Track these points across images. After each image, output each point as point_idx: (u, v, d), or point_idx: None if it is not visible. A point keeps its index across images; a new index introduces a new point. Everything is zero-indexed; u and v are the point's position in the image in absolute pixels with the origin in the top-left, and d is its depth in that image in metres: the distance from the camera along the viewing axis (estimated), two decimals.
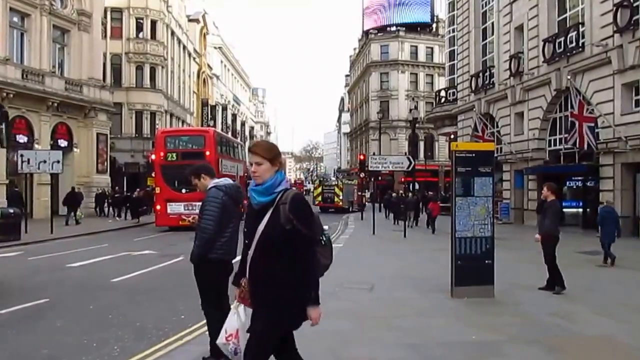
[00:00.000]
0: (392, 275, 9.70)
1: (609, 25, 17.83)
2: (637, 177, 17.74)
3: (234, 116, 64.44)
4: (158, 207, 20.32)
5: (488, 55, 28.06)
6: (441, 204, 23.68)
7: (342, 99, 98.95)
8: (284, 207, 2.83)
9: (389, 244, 16.20)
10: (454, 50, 33.08)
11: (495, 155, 18.87)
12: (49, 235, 17.01)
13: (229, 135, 40.59)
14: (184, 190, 18.94)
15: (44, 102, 24.86)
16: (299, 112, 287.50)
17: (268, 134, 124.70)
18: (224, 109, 58.12)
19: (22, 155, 17.80)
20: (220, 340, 3.14)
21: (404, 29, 55.74)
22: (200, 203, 4.56)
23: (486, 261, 7.43)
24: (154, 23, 37.71)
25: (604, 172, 18.67)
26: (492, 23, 27.24)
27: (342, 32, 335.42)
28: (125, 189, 32.13)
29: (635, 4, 16.82)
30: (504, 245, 11.47)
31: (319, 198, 38.02)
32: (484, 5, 28.61)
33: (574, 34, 20.01)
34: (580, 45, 19.63)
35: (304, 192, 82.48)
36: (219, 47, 63.75)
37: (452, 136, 33.13)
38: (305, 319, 2.92)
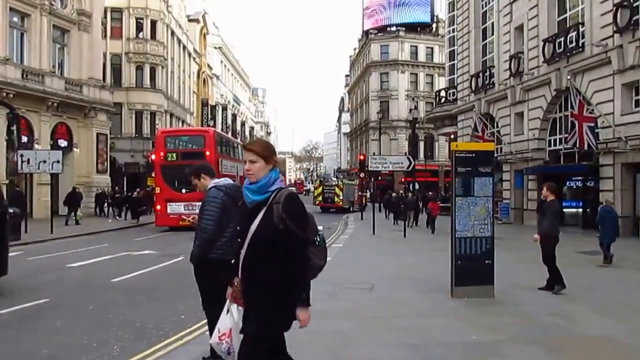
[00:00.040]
0: (392, 276, 9.70)
1: (609, 25, 17.83)
2: (637, 177, 17.75)
3: (234, 116, 64.44)
4: (158, 207, 20.33)
5: (488, 55, 28.06)
6: (441, 204, 23.69)
7: (342, 99, 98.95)
8: (278, 206, 2.79)
9: (389, 244, 16.20)
10: (454, 50, 33.08)
11: (495, 155, 18.89)
12: (49, 235, 17.01)
13: (229, 135, 40.60)
14: (184, 190, 18.94)
15: (44, 102, 24.87)
16: (299, 112, 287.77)
17: (268, 134, 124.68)
18: (224, 109, 58.12)
19: (22, 155, 17.80)
20: (214, 339, 3.13)
21: (404, 29, 55.73)
22: (200, 203, 4.56)
23: (486, 261, 7.43)
24: (154, 23, 37.70)
25: (604, 172, 18.67)
26: (492, 23, 27.24)
27: (342, 32, 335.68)
28: (125, 189, 32.13)
29: (635, 4, 16.82)
30: (504, 245, 11.48)
31: (320, 198, 38.04)
32: (484, 5, 28.61)
33: (574, 34, 20.01)
34: (580, 45, 19.63)
35: (304, 192, 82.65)
36: (219, 47, 63.76)
37: (452, 136, 33.14)
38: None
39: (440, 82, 49.19)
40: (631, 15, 16.83)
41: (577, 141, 18.80)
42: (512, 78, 24.55)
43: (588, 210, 20.23)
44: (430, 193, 32.80)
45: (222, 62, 65.76)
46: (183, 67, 45.80)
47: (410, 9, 55.91)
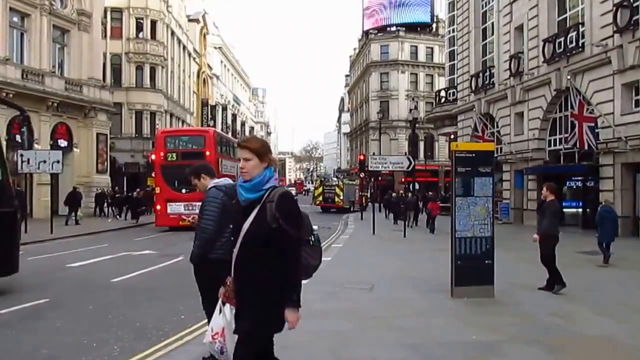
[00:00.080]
0: (392, 276, 9.70)
1: (609, 25, 17.83)
2: (637, 177, 17.75)
3: (234, 116, 64.46)
4: (158, 207, 20.33)
5: (488, 55, 28.07)
6: (441, 204, 23.69)
7: (342, 99, 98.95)
8: (271, 205, 2.76)
9: (389, 244, 16.20)
10: (454, 50, 33.09)
11: (495, 155, 18.90)
12: (49, 235, 17.00)
13: (229, 135, 40.60)
14: (184, 190, 18.94)
15: (44, 102, 24.87)
16: (299, 112, 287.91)
17: (268, 134, 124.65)
18: (224, 109, 58.14)
19: (22, 155, 17.78)
20: (207, 339, 3.12)
21: (404, 29, 55.73)
22: (200, 203, 4.56)
23: (486, 261, 7.43)
24: (154, 23, 37.69)
25: (604, 172, 18.67)
26: (492, 23, 27.24)
27: (342, 32, 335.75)
28: (125, 189, 32.14)
29: (635, 4, 16.82)
30: (504, 245, 11.48)
31: (320, 198, 38.10)
32: (484, 5, 28.61)
33: (574, 34, 20.02)
34: (580, 45, 19.64)
35: (304, 192, 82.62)
36: (219, 47, 63.76)
37: (452, 136, 33.14)
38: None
39: (440, 82, 49.19)
40: (631, 15, 16.83)
41: (577, 141, 18.81)
42: (512, 78, 24.55)
43: (588, 210, 20.24)
44: (430, 193, 32.80)
45: (222, 62, 65.76)
46: (183, 67, 45.80)
47: (410, 9, 55.91)
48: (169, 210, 19.71)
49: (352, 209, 36.54)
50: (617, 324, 6.31)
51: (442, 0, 47.07)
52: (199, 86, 52.44)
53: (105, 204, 28.16)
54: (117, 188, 30.86)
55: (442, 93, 36.34)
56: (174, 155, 20.34)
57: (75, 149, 27.58)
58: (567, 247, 11.26)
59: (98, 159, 29.17)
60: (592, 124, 18.44)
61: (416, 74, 55.89)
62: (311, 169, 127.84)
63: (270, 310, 2.77)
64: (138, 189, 28.20)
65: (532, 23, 23.09)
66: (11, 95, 22.62)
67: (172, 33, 41.77)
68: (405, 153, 37.75)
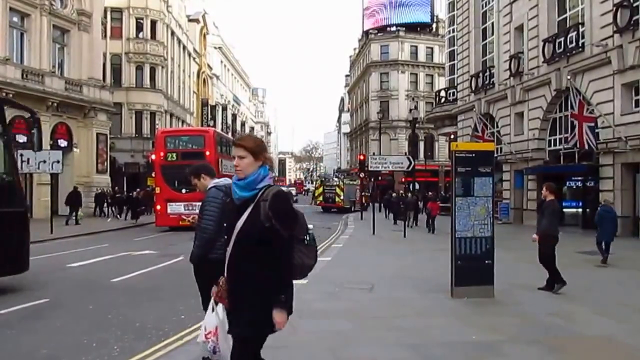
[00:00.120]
0: (392, 276, 9.70)
1: (609, 25, 17.84)
2: (637, 177, 17.75)
3: (234, 116, 64.47)
4: (158, 207, 20.34)
5: (488, 55, 28.07)
6: (441, 204, 23.69)
7: (342, 99, 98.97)
8: (265, 203, 2.73)
9: (389, 244, 16.20)
10: (454, 50, 33.09)
11: (495, 155, 18.90)
12: (49, 235, 16.99)
13: (229, 135, 40.60)
14: (184, 190, 18.93)
15: (44, 102, 24.86)
16: (299, 112, 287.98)
17: (268, 134, 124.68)
18: (224, 109, 58.14)
19: (21, 155, 17.77)
20: (200, 338, 3.11)
21: (404, 29, 55.73)
22: (200, 203, 4.56)
23: (486, 261, 7.43)
24: (154, 23, 37.70)
25: (603, 172, 18.67)
26: (492, 23, 27.25)
27: (342, 32, 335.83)
28: (125, 189, 32.15)
29: (635, 4, 16.83)
30: (503, 245, 11.48)
31: (320, 198, 38.23)
32: (484, 5, 28.62)
33: (574, 34, 20.02)
34: (580, 45, 19.64)
35: (303, 192, 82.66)
36: (219, 47, 63.77)
37: (452, 136, 33.14)
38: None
39: (440, 82, 49.19)
40: (631, 15, 16.83)
41: (577, 141, 18.81)
42: (512, 78, 24.56)
43: (588, 210, 20.24)
44: (430, 193, 32.82)
45: (222, 62, 65.78)
46: (183, 67, 45.81)
47: (410, 9, 55.91)
48: (169, 210, 19.71)
49: (352, 209, 36.57)
50: (617, 324, 6.31)
51: (442, 0, 47.13)
52: (199, 86, 52.45)
53: (105, 204, 28.17)
54: (117, 188, 30.87)
55: (442, 93, 36.34)
56: (174, 155, 20.34)
57: (75, 149, 27.59)
58: (567, 247, 11.26)
59: (98, 159, 29.17)
60: (592, 124, 18.44)
61: (416, 74, 55.90)
62: (311, 169, 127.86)
63: (265, 310, 2.73)
64: (138, 189, 28.21)
65: (532, 23, 23.09)
66: (11, 95, 22.62)
67: (172, 33, 41.78)
68: (405, 153, 37.77)
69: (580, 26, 19.88)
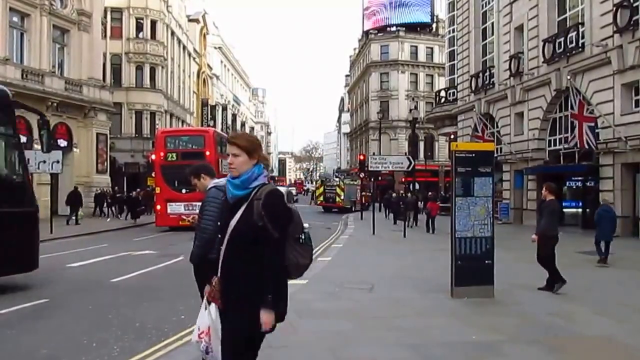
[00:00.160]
0: (392, 276, 9.70)
1: (609, 25, 17.84)
2: (637, 177, 17.75)
3: (234, 116, 64.47)
4: (158, 207, 20.34)
5: (488, 55, 28.07)
6: (441, 204, 23.68)
7: (342, 99, 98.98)
8: (258, 202, 2.70)
9: (389, 244, 16.20)
10: (454, 50, 33.09)
11: (495, 155, 18.91)
12: (49, 235, 16.97)
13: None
14: (184, 190, 18.93)
15: (44, 102, 24.83)
16: (299, 112, 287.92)
17: (268, 134, 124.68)
18: (224, 109, 58.13)
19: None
20: (194, 338, 3.10)
21: (403, 29, 55.74)
22: (200, 203, 4.56)
23: (486, 261, 7.43)
24: (154, 23, 37.69)
25: (603, 172, 18.67)
26: (492, 23, 27.25)
27: (342, 32, 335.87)
28: (125, 189, 32.14)
29: (635, 4, 16.83)
30: (503, 245, 11.49)
31: (321, 198, 38.34)
32: (484, 5, 28.62)
33: (574, 34, 20.02)
34: (580, 45, 19.64)
35: (303, 192, 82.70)
36: (219, 47, 63.77)
37: (452, 136, 33.15)
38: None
39: (440, 82, 49.19)
40: (631, 15, 16.84)
41: (577, 141, 18.81)
42: (512, 78, 24.56)
43: (588, 210, 20.25)
44: (430, 193, 32.83)
45: (222, 62, 65.78)
46: (183, 67, 45.81)
47: (410, 9, 55.92)
48: (169, 210, 19.71)
49: (353, 209, 36.61)
50: (617, 324, 6.31)
51: (442, 0, 47.14)
52: (199, 86, 52.45)
53: (105, 204, 28.18)
54: (117, 188, 30.88)
55: (442, 93, 36.34)
56: (174, 155, 20.35)
57: (75, 149, 27.58)
58: (567, 247, 11.27)
59: (98, 159, 29.16)
60: (592, 124, 18.45)
61: (416, 74, 55.90)
62: (311, 169, 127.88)
63: (255, 310, 2.68)
64: (138, 189, 28.21)
65: (532, 23, 23.09)
66: (11, 96, 22.61)
67: (172, 33, 41.78)
68: (405, 153, 37.76)
69: (580, 26, 19.89)
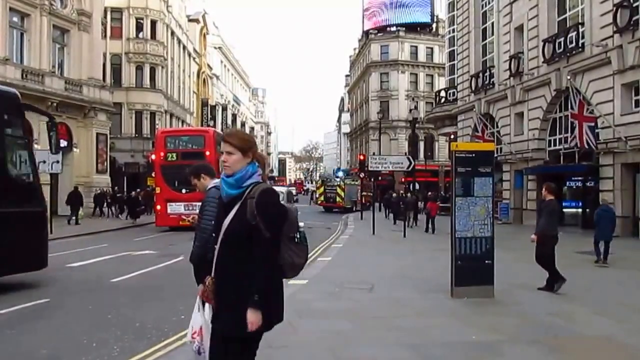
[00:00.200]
0: (392, 276, 9.69)
1: (609, 25, 17.84)
2: (637, 177, 17.75)
3: (234, 116, 64.46)
4: (158, 207, 20.34)
5: (488, 56, 28.07)
6: (441, 204, 23.67)
7: (342, 99, 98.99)
8: (252, 201, 2.68)
9: (389, 244, 16.20)
10: (454, 50, 33.09)
11: (495, 155, 18.89)
12: (49, 235, 16.93)
13: None
14: (184, 191, 18.92)
15: (44, 102, 24.82)
16: (299, 112, 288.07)
17: (268, 134, 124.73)
18: (224, 109, 58.13)
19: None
20: (188, 337, 3.08)
21: (404, 29, 55.73)
22: (200, 203, 4.56)
23: (486, 261, 7.43)
24: (154, 23, 37.69)
25: (603, 172, 18.67)
26: (492, 23, 27.25)
27: (342, 32, 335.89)
28: (125, 189, 32.14)
29: (635, 4, 16.83)
30: (503, 246, 11.49)
31: (322, 198, 38.37)
32: (484, 5, 28.62)
33: (573, 34, 20.02)
34: (580, 45, 19.64)
35: (303, 192, 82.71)
36: (219, 47, 63.77)
37: (452, 136, 33.15)
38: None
39: (440, 82, 49.18)
40: (631, 15, 16.83)
41: (578, 142, 18.81)
42: (512, 78, 24.56)
43: (588, 210, 20.25)
44: (430, 193, 32.85)
45: (222, 62, 65.78)
46: (183, 67, 45.80)
47: (410, 9, 55.90)
48: (169, 210, 19.71)
49: (354, 209, 36.60)
50: (617, 324, 6.31)
51: (442, 0, 47.13)
52: (199, 86, 52.45)
53: (105, 204, 28.17)
54: (117, 188, 30.87)
55: (442, 93, 36.34)
56: (174, 155, 20.34)
57: (75, 149, 27.56)
58: (567, 247, 11.27)
59: (98, 159, 29.15)
60: (592, 124, 18.44)
61: (416, 74, 55.90)
62: (311, 169, 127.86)
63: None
64: (138, 189, 28.21)
65: (532, 23, 23.09)
66: None
67: (172, 33, 41.78)
68: (405, 153, 37.76)
69: (580, 26, 19.89)
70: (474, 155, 7.55)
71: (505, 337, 5.64)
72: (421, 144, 53.38)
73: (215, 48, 61.63)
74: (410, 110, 32.14)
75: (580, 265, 11.14)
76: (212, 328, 2.84)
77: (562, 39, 20.62)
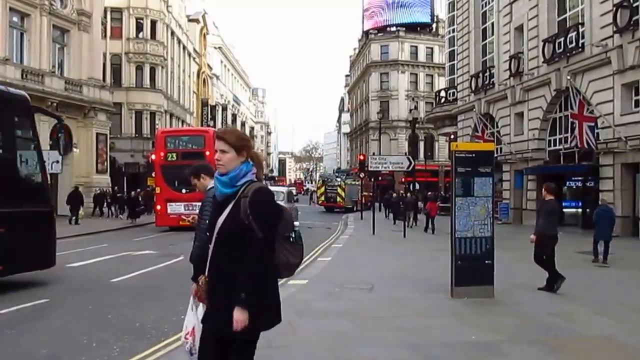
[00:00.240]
0: (392, 276, 9.70)
1: (609, 25, 17.84)
2: (637, 177, 17.76)
3: (234, 116, 64.47)
4: (158, 207, 20.34)
5: (488, 56, 28.08)
6: (441, 204, 23.67)
7: (342, 99, 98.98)
8: (245, 200, 2.67)
9: (389, 244, 16.20)
10: (454, 50, 33.10)
11: (495, 155, 18.90)
12: None
13: None
14: (184, 191, 18.92)
15: (44, 102, 24.80)
16: (299, 112, 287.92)
17: (268, 134, 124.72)
18: (224, 109, 58.14)
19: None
20: (182, 338, 3.07)
21: (403, 29, 55.74)
22: (200, 203, 4.56)
23: (486, 261, 7.43)
24: (154, 23, 37.69)
25: (603, 172, 18.68)
26: (492, 23, 27.26)
27: (342, 32, 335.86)
28: (125, 189, 32.13)
29: (635, 4, 16.84)
30: (503, 246, 11.50)
31: (322, 197, 38.44)
32: (484, 5, 28.62)
33: (573, 34, 20.02)
34: (580, 45, 19.64)
35: (303, 192, 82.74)
36: (219, 47, 63.77)
37: (452, 136, 33.15)
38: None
39: (440, 82, 49.19)
40: (631, 16, 16.84)
41: (577, 141, 18.82)
42: (512, 78, 24.56)
43: (588, 210, 20.25)
44: (430, 193, 32.85)
45: (222, 62, 65.78)
46: (183, 67, 45.80)
47: (410, 10, 55.92)
48: (169, 210, 19.72)
49: (354, 209, 36.62)
50: (617, 324, 6.31)
51: (442, 0, 47.13)
52: (199, 86, 52.45)
53: (105, 204, 28.17)
54: (117, 188, 30.86)
55: (442, 93, 36.35)
56: (174, 155, 20.35)
57: (75, 149, 27.55)
58: (567, 247, 11.27)
59: (98, 159, 29.15)
60: (592, 124, 18.45)
61: (416, 74, 55.91)
62: (311, 169, 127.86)
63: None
64: (138, 189, 28.21)
65: (532, 23, 23.10)
66: None
67: (172, 33, 41.78)
68: (405, 153, 37.77)
69: (580, 26, 19.89)
70: (474, 155, 7.55)
71: (505, 337, 5.64)
72: (421, 144, 53.39)
73: (215, 48, 61.63)
74: (410, 110, 32.15)
75: (580, 265, 11.15)
76: (202, 328, 2.82)
77: (562, 39, 20.63)
